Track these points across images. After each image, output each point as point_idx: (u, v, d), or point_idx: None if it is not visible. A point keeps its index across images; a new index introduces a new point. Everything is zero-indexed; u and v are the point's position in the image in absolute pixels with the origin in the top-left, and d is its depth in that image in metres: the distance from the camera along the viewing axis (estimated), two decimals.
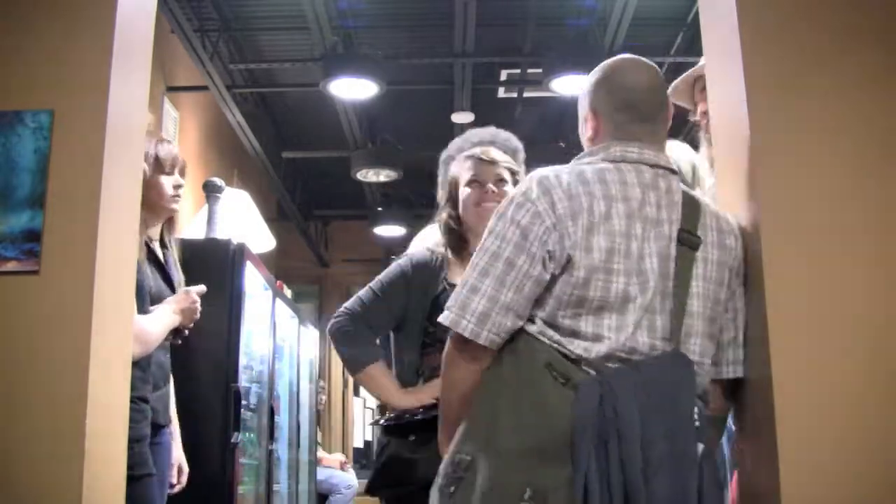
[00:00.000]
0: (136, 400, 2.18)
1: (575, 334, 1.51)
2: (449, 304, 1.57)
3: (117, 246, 1.86)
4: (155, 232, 2.64)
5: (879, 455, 1.56)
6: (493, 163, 2.27)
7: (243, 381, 3.54)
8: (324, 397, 7.40)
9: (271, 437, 4.20)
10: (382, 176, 7.08)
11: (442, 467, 1.55)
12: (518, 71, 6.23)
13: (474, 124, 6.92)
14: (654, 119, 1.68)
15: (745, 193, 1.73)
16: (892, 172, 1.67)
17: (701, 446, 1.46)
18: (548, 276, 1.52)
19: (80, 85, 1.83)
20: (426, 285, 2.26)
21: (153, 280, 2.55)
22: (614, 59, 1.75)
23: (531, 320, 1.54)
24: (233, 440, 3.29)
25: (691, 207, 1.60)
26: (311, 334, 6.30)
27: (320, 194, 8.86)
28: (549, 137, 6.94)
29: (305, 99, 6.64)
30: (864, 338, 1.61)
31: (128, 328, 1.94)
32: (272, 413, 4.19)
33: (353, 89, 5.53)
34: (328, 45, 5.42)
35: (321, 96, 5.74)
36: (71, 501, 1.64)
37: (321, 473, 6.66)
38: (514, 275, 1.51)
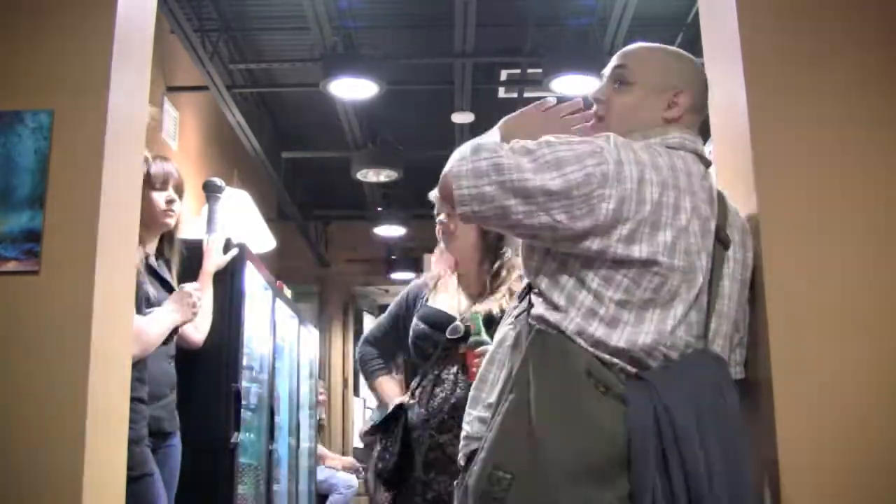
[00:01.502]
0: (134, 401, 2.18)
1: (614, 324, 1.43)
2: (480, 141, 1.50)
3: (117, 246, 1.86)
4: (151, 248, 2.67)
5: (880, 455, 1.56)
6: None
7: (243, 381, 3.54)
8: (322, 398, 7.40)
9: (271, 437, 4.19)
10: (382, 176, 7.08)
11: (474, 483, 1.42)
12: (518, 71, 6.23)
13: (474, 124, 6.94)
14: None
15: (745, 193, 1.73)
16: (892, 172, 1.68)
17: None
18: (579, 229, 1.42)
19: (80, 85, 1.83)
20: (415, 304, 2.59)
21: (156, 292, 2.57)
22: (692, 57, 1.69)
23: (564, 310, 1.45)
24: (233, 440, 3.29)
25: (722, 205, 1.58)
26: (311, 334, 6.29)
27: (320, 194, 8.85)
28: None
29: (305, 99, 6.64)
30: (864, 337, 1.61)
31: (128, 328, 1.94)
32: (272, 413, 4.18)
33: (353, 89, 5.52)
34: (328, 45, 5.42)
35: (321, 96, 5.74)
36: (71, 501, 1.64)
37: (321, 473, 6.66)
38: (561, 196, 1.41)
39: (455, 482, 1.56)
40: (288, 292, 5.24)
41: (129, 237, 1.96)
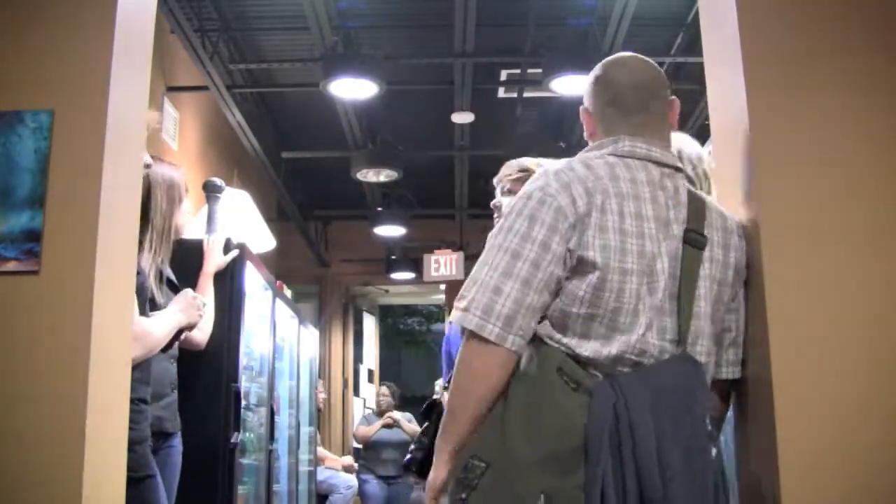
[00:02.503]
0: (136, 401, 2.18)
1: (586, 336, 1.48)
2: (466, 305, 1.49)
3: (117, 246, 1.86)
4: (167, 256, 2.63)
5: (879, 454, 1.56)
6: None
7: (243, 381, 3.54)
8: (322, 396, 7.42)
9: (271, 437, 4.20)
10: (382, 176, 7.08)
11: (454, 471, 1.49)
12: (518, 71, 6.23)
13: (474, 124, 6.94)
14: (640, 112, 1.63)
15: (745, 193, 1.73)
16: (892, 172, 1.68)
17: (714, 450, 1.44)
18: (565, 275, 1.49)
19: (80, 85, 1.83)
20: None
21: (166, 300, 2.56)
22: (612, 56, 1.74)
23: (539, 320, 1.50)
24: (233, 440, 3.29)
25: (697, 207, 1.59)
26: (311, 334, 6.29)
27: (320, 194, 8.86)
28: (549, 137, 6.95)
29: (305, 99, 6.64)
30: (864, 337, 1.61)
31: (128, 328, 1.94)
32: (272, 413, 4.18)
33: (353, 89, 5.52)
34: (328, 45, 5.42)
35: (321, 96, 5.74)
36: (71, 502, 1.64)
37: (321, 473, 6.67)
38: (540, 276, 1.47)
39: None
40: (288, 292, 5.25)
41: (129, 237, 1.95)
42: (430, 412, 2.55)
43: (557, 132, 7.01)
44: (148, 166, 2.30)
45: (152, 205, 2.52)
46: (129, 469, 1.89)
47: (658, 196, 1.56)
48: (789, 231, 1.65)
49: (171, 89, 5.30)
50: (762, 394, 1.61)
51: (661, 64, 6.64)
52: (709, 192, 2.35)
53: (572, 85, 5.26)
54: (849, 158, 1.69)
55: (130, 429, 1.93)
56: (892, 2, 1.75)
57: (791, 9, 1.76)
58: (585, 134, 1.71)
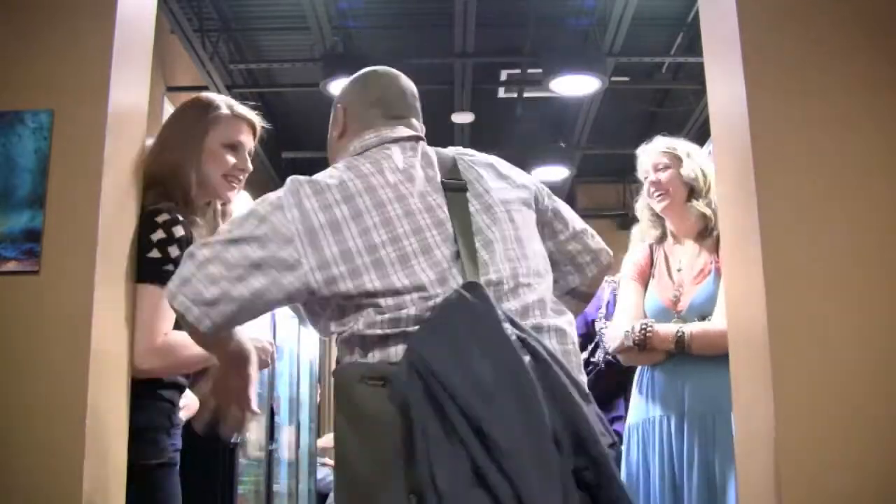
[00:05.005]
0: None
1: (383, 342, 1.44)
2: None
3: (117, 247, 1.86)
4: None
5: (878, 445, 1.57)
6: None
7: None
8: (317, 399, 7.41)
9: (271, 437, 4.20)
10: None
11: None
12: (518, 71, 6.23)
13: (474, 124, 6.94)
14: (404, 118, 1.76)
15: (745, 193, 1.73)
16: (892, 172, 1.68)
17: (527, 357, 1.35)
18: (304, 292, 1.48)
19: (80, 85, 1.83)
20: None
21: None
22: (373, 67, 1.85)
23: (347, 354, 1.49)
24: (233, 440, 3.29)
25: (445, 161, 1.65)
26: (311, 334, 6.30)
27: None
28: (549, 137, 6.95)
29: (305, 99, 6.64)
30: (864, 336, 1.62)
31: (128, 328, 1.94)
32: (272, 413, 4.19)
33: None
34: (328, 45, 5.42)
35: (321, 96, 5.74)
36: (71, 502, 1.64)
37: (321, 473, 6.67)
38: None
39: None
40: None
41: (129, 238, 1.95)
42: None
43: (557, 132, 7.00)
44: None
45: None
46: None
47: (397, 166, 1.59)
48: (788, 231, 1.65)
49: (171, 89, 5.30)
50: (762, 393, 1.61)
51: (660, 64, 6.69)
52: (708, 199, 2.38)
53: (572, 85, 5.27)
54: (849, 158, 1.69)
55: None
56: (891, 4, 1.75)
57: (791, 9, 1.76)
58: (335, 132, 1.75)
